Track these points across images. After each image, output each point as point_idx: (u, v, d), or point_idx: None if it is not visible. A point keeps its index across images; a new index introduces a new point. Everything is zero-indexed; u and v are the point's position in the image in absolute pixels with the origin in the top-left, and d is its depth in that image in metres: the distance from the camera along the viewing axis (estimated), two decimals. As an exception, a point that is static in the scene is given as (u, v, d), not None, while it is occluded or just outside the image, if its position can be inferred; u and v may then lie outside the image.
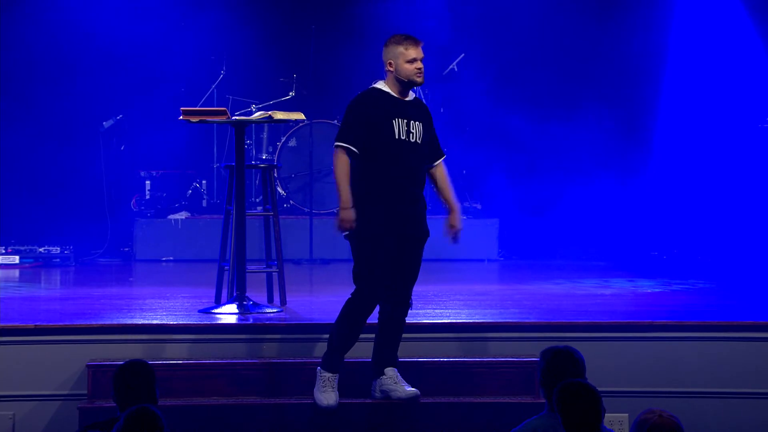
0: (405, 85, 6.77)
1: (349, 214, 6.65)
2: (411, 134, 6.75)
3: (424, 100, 12.06)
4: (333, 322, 6.87)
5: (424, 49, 6.77)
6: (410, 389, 6.81)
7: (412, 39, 6.75)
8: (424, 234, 6.88)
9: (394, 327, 6.87)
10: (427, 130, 6.86)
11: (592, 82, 12.30)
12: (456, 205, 7.04)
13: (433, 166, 6.98)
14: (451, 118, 12.56)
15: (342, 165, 6.69)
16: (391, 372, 6.84)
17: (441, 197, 7.09)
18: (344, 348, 6.81)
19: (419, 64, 6.73)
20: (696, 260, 11.68)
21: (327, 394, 6.75)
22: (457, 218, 7.04)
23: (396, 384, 6.82)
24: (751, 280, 10.45)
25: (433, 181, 7.03)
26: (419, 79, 6.76)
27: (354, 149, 6.68)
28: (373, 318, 6.87)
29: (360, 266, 6.75)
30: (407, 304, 6.86)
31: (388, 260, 6.72)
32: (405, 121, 6.73)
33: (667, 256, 11.77)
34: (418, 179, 6.82)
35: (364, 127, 6.70)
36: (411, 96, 6.86)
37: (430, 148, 6.91)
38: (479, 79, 12.37)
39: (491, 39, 12.42)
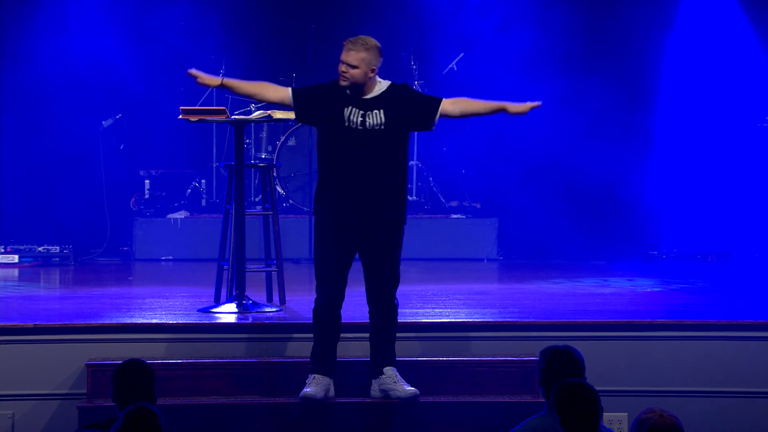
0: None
1: (214, 81, 6.84)
2: (366, 122, 6.66)
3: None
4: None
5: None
6: (410, 389, 6.79)
7: (346, 41, 6.71)
8: (387, 224, 6.76)
9: (383, 325, 6.82)
10: (395, 112, 6.70)
11: (591, 82, 12.28)
12: (502, 103, 6.99)
13: (447, 113, 6.85)
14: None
15: (270, 87, 6.80)
16: (390, 371, 6.83)
17: (487, 113, 7.07)
18: (321, 347, 6.78)
19: (342, 67, 6.66)
20: (695, 259, 11.67)
21: (308, 387, 6.73)
22: (516, 106, 6.91)
23: (395, 383, 6.80)
24: (750, 279, 10.46)
25: (465, 114, 6.98)
26: (341, 81, 6.67)
27: (294, 91, 6.76)
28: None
29: (314, 259, 6.81)
30: (390, 299, 6.79)
31: (335, 255, 6.70)
32: (359, 111, 6.67)
33: (666, 255, 11.77)
34: (374, 167, 6.69)
35: (314, 92, 6.75)
36: (373, 93, 6.73)
37: (409, 124, 6.78)
38: (478, 78, 12.36)
39: (490, 37, 12.41)
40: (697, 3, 12.30)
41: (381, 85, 6.77)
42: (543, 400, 5.62)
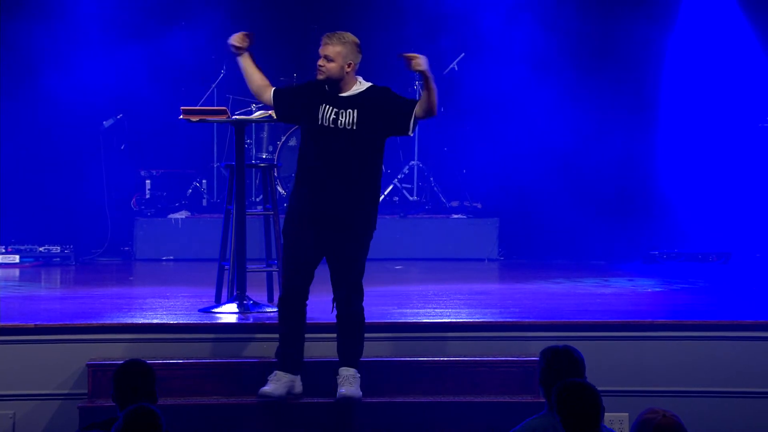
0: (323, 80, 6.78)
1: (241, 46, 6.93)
2: (338, 121, 6.67)
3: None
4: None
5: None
6: (344, 391, 6.72)
7: (324, 36, 6.76)
8: (352, 226, 6.74)
9: (345, 329, 6.81)
10: (369, 114, 6.69)
11: (593, 83, 12.28)
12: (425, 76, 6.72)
13: (416, 115, 6.74)
14: (452, 117, 12.56)
15: (268, 90, 6.93)
16: (344, 372, 6.80)
17: (429, 97, 6.76)
18: (284, 343, 6.80)
19: (320, 61, 6.72)
20: (696, 259, 11.67)
21: (267, 385, 6.73)
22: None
23: (341, 385, 6.78)
24: (751, 279, 10.46)
25: (425, 111, 6.76)
26: (318, 75, 6.73)
27: (275, 91, 6.90)
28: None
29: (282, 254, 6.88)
30: (352, 304, 6.76)
31: (302, 251, 6.72)
32: (333, 109, 6.69)
33: (667, 256, 11.77)
34: (342, 167, 6.69)
35: (294, 91, 6.90)
36: (351, 92, 6.75)
37: (384, 127, 6.74)
38: (479, 77, 12.36)
39: (491, 37, 12.41)
40: (697, 4, 12.30)
41: (360, 85, 6.79)
42: (543, 400, 5.62)
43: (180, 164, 12.52)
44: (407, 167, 12.32)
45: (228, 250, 8.13)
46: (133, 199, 12.25)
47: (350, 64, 6.72)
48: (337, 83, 6.73)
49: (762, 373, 7.41)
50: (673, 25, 12.32)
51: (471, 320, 7.75)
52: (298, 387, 6.83)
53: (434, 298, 8.86)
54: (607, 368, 7.26)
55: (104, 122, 12.16)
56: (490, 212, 12.23)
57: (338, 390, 6.76)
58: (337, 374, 6.80)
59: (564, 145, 12.21)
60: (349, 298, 6.77)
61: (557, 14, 12.38)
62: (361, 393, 6.77)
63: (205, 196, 12.37)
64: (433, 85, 6.68)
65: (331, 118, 6.69)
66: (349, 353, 6.82)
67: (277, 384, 6.75)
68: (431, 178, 12.31)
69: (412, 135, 6.93)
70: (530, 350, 7.17)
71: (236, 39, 6.95)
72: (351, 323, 6.80)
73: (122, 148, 12.31)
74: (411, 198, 12.25)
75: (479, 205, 12.33)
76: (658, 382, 7.40)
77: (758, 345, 7.44)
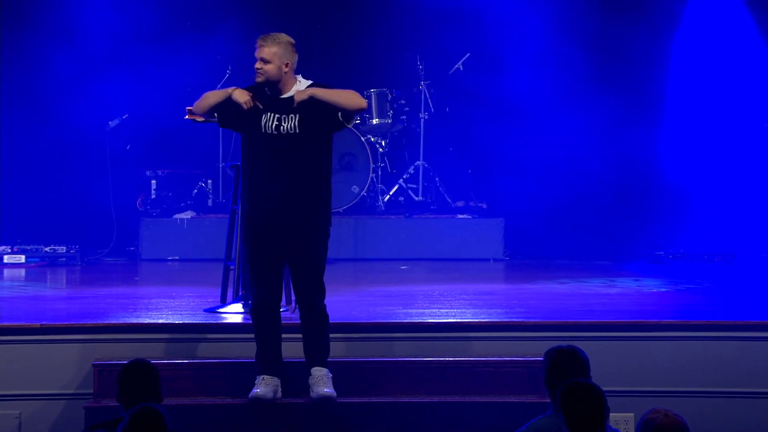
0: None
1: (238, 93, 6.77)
2: (281, 128, 6.68)
3: (427, 97, 12.20)
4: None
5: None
6: (325, 391, 6.74)
7: (258, 39, 6.79)
8: (306, 229, 6.77)
9: (310, 329, 6.84)
10: (309, 115, 6.69)
11: (598, 83, 12.27)
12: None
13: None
14: (457, 117, 12.56)
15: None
16: (316, 372, 6.82)
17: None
18: (262, 348, 6.83)
19: (257, 64, 6.77)
20: (701, 260, 11.66)
21: (257, 388, 6.76)
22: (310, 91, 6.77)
23: (316, 385, 6.79)
24: (756, 280, 10.45)
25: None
26: (257, 78, 6.76)
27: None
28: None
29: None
30: (314, 304, 6.79)
31: (261, 259, 6.75)
32: (275, 115, 6.70)
33: (672, 256, 11.76)
34: (290, 172, 6.70)
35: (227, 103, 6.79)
36: (291, 92, 6.76)
37: (323, 125, 6.74)
38: (484, 77, 12.36)
39: (496, 37, 12.40)
40: (702, 4, 12.29)
41: (300, 84, 6.80)
42: (549, 400, 5.62)
43: (185, 164, 12.53)
44: (412, 167, 12.32)
45: (233, 250, 8.14)
46: (139, 199, 12.26)
47: (287, 63, 6.75)
48: (276, 85, 6.76)
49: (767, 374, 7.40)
50: (678, 25, 12.32)
51: (476, 320, 7.75)
52: (280, 390, 6.87)
53: (439, 298, 8.86)
54: (613, 368, 7.25)
55: (110, 122, 12.16)
56: (496, 212, 12.23)
57: (314, 389, 6.75)
58: (310, 374, 6.82)
59: (569, 145, 12.20)
60: (311, 297, 6.81)
61: (562, 15, 12.37)
62: (335, 393, 6.78)
63: (210, 196, 12.37)
64: (323, 95, 6.72)
65: (273, 125, 6.70)
66: (318, 352, 6.84)
67: (266, 388, 6.78)
68: (436, 178, 12.31)
69: (351, 125, 6.97)
70: (535, 350, 7.16)
71: (245, 102, 6.81)
72: (315, 322, 6.83)
73: (128, 148, 12.32)
74: (416, 198, 12.25)
75: (484, 205, 12.33)
76: (663, 382, 7.39)
77: (763, 345, 7.43)
